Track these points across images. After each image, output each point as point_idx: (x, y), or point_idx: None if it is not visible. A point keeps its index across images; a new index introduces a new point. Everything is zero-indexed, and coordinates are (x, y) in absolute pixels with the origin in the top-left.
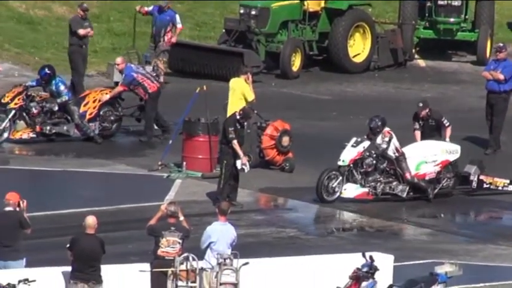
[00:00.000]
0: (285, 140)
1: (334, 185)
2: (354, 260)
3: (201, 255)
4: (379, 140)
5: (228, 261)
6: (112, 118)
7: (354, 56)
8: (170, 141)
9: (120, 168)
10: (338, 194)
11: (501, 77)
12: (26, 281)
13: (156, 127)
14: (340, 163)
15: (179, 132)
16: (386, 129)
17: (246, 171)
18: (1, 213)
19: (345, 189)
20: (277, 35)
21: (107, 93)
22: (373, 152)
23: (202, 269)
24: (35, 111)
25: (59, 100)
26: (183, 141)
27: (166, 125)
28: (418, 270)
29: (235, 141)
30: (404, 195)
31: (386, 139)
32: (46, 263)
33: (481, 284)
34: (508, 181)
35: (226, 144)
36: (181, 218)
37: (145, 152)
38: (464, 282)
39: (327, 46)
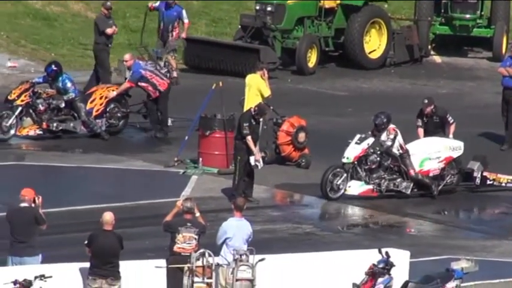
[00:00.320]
0: (301, 136)
1: (338, 183)
2: (370, 256)
3: (217, 251)
4: (383, 136)
5: (244, 257)
6: (119, 115)
7: (370, 52)
8: (186, 138)
9: (136, 164)
10: (343, 191)
11: None
12: (42, 277)
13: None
14: (344, 160)
15: (195, 128)
16: (392, 126)
17: (259, 167)
18: (16, 209)
19: (349, 187)
20: (293, 31)
21: (113, 90)
22: (377, 148)
23: (218, 265)
24: (41, 108)
25: (65, 97)
26: (199, 138)
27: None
28: (434, 266)
29: (249, 137)
30: (409, 192)
31: (391, 136)
32: (62, 259)
33: (497, 280)
34: (511, 177)
35: (241, 140)
36: (197, 214)
37: (162, 148)
38: (481, 278)
39: (342, 42)
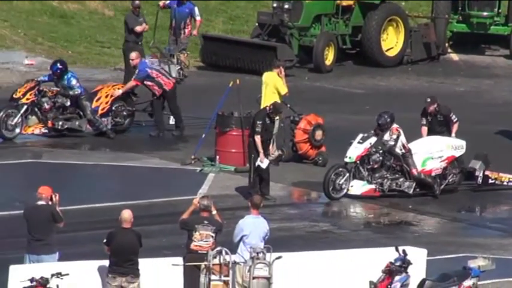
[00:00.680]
0: (318, 134)
1: (341, 182)
2: (387, 254)
3: (233, 249)
4: (386, 136)
5: (261, 255)
6: (124, 113)
7: (387, 50)
8: (203, 135)
9: (153, 162)
10: (345, 190)
11: None
12: (59, 274)
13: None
14: (346, 160)
15: (212, 126)
16: (395, 126)
17: (262, 167)
18: (34, 207)
19: (351, 186)
20: (310, 28)
21: (119, 88)
22: (379, 148)
23: (235, 263)
24: (46, 106)
25: (71, 92)
26: (216, 135)
27: (164, 125)
28: (451, 264)
29: (258, 136)
30: (411, 191)
31: (394, 136)
32: (79, 256)
33: None
34: None
35: (252, 138)
36: (214, 211)
37: (179, 146)
38: (498, 276)
39: (360, 40)
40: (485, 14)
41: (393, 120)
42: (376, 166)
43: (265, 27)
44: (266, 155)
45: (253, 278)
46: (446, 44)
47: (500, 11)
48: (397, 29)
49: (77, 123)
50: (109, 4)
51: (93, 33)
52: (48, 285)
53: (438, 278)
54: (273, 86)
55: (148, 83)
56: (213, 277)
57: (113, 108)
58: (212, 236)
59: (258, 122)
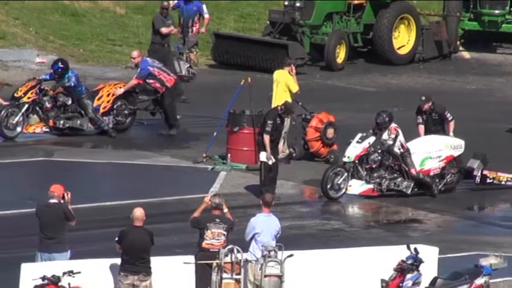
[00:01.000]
0: (330, 132)
1: (339, 182)
2: (399, 252)
3: (245, 247)
4: (385, 135)
5: (272, 253)
6: (126, 112)
7: (399, 48)
8: (215, 133)
9: (164, 160)
10: (344, 190)
11: None
12: (70, 273)
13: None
14: (345, 159)
15: (224, 124)
16: (393, 125)
17: (270, 163)
18: (46, 205)
19: (350, 186)
20: (322, 26)
21: (120, 87)
22: (378, 147)
23: (247, 261)
24: (48, 105)
25: (67, 84)
26: (227, 133)
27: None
28: (462, 262)
29: (267, 136)
30: (409, 191)
31: (393, 136)
32: (91, 255)
33: None
34: (511, 176)
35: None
36: (225, 210)
37: (190, 144)
38: (509, 274)
39: (371, 38)
40: (496, 12)
41: (392, 119)
42: (374, 166)
43: (276, 25)
44: (274, 153)
45: (265, 276)
46: (458, 42)
47: (511, 9)
48: (408, 27)
49: (78, 122)
50: (120, 2)
51: (105, 31)
52: (59, 284)
53: (450, 276)
54: (284, 84)
55: (150, 81)
56: (224, 275)
57: (115, 107)
58: (224, 234)
59: (269, 122)
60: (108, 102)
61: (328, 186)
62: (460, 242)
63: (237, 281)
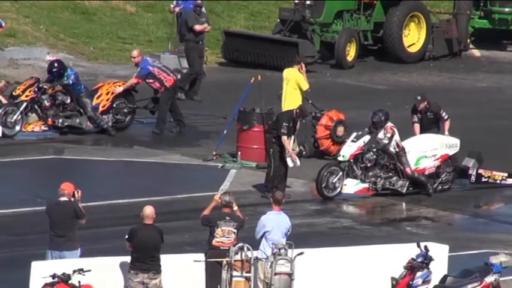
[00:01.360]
0: (340, 130)
1: (334, 181)
2: (409, 250)
3: (255, 245)
4: (381, 135)
5: (282, 251)
6: (125, 110)
7: (409, 46)
8: (225, 132)
9: (174, 158)
10: (339, 189)
11: None
12: (80, 271)
13: (172, 120)
14: (340, 158)
15: (234, 122)
16: (389, 124)
17: (297, 165)
18: (56, 203)
19: (345, 185)
20: (332, 24)
21: (120, 86)
22: (373, 146)
23: (257, 259)
24: (47, 103)
25: (65, 82)
26: (237, 131)
27: (182, 119)
28: (472, 260)
29: (285, 137)
30: (404, 190)
31: (389, 135)
32: (101, 253)
33: None
34: (506, 174)
35: (271, 133)
36: (235, 207)
37: (200, 142)
38: None
39: (381, 36)
40: (507, 10)
41: (388, 118)
42: (369, 165)
43: (286, 23)
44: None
45: (275, 274)
46: (468, 40)
47: None
48: (419, 25)
49: (77, 120)
50: (131, 1)
51: (115, 29)
52: (69, 282)
53: (460, 274)
54: (294, 82)
55: (150, 80)
56: (234, 273)
57: (114, 105)
58: (234, 232)
59: (284, 124)
60: (107, 100)
61: (323, 185)
62: (470, 240)
63: (247, 279)
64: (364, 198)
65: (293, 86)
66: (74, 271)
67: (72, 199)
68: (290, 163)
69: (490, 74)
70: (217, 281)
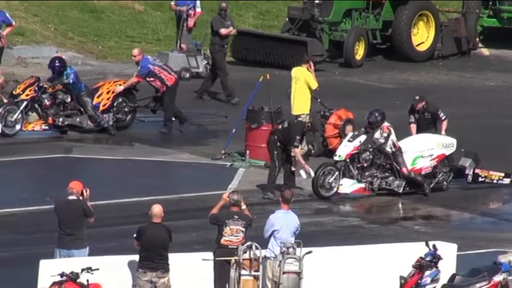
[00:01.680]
0: (348, 129)
1: (330, 181)
2: (417, 249)
3: (263, 244)
4: (377, 134)
5: (291, 250)
6: (126, 109)
7: (418, 45)
8: (233, 130)
9: (183, 157)
10: (335, 189)
11: None
12: (89, 269)
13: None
14: (336, 158)
15: (243, 121)
16: (386, 124)
17: (312, 176)
18: (64, 202)
19: (341, 185)
20: (340, 23)
21: (120, 84)
22: (369, 146)
23: (265, 258)
24: (47, 102)
25: (65, 81)
26: (246, 130)
27: (183, 116)
28: (481, 259)
29: (297, 150)
30: (401, 190)
31: (385, 134)
32: (109, 251)
33: None
34: (502, 174)
35: (278, 138)
36: (244, 206)
37: (209, 140)
38: None
39: (390, 35)
40: None
41: (384, 118)
42: (366, 165)
43: (295, 22)
44: (290, 157)
45: (284, 273)
46: (477, 39)
47: None
48: (427, 24)
49: (77, 119)
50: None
51: (124, 28)
52: (78, 280)
53: (468, 273)
54: (303, 81)
55: (151, 79)
56: (243, 272)
57: (115, 104)
58: (242, 231)
59: (297, 137)
60: (108, 99)
61: (319, 187)
62: (479, 239)
63: (256, 277)
64: (372, 198)
65: (302, 85)
66: (82, 270)
67: (81, 198)
68: (304, 175)
69: (498, 73)
70: (226, 280)
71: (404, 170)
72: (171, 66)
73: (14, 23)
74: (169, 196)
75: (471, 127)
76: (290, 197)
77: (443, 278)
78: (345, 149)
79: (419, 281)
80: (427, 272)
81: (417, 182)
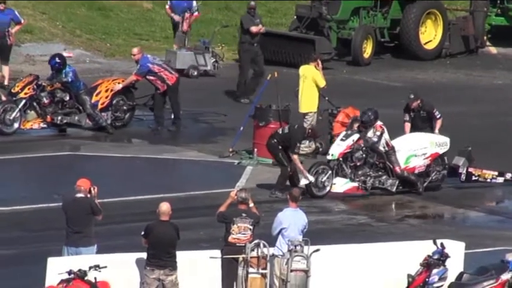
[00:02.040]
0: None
1: (323, 180)
2: (425, 247)
3: (271, 241)
4: (370, 133)
5: (298, 248)
6: (125, 108)
7: (426, 43)
8: (241, 128)
9: (191, 154)
10: (328, 188)
11: None
12: (96, 267)
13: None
14: (329, 157)
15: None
16: (379, 123)
17: (312, 181)
18: (72, 200)
19: (334, 184)
20: (348, 21)
21: (119, 83)
22: (362, 145)
23: (273, 256)
24: (45, 101)
25: (64, 79)
26: (254, 128)
27: (163, 120)
28: (489, 258)
29: (295, 156)
30: (394, 189)
31: (378, 133)
32: (117, 249)
33: None
34: (496, 173)
35: (278, 142)
36: (251, 204)
37: (217, 138)
38: None
39: (398, 33)
40: None
41: (377, 117)
42: (359, 163)
43: (303, 20)
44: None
45: (291, 270)
46: (485, 37)
47: None
48: (435, 22)
49: (76, 117)
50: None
51: (132, 25)
52: (85, 278)
53: (476, 271)
54: (311, 79)
55: (151, 77)
56: (250, 270)
57: (113, 102)
58: (250, 229)
59: (298, 144)
60: (106, 98)
61: (313, 186)
62: (486, 237)
63: (263, 275)
64: (381, 196)
65: (310, 83)
66: (90, 267)
67: (89, 195)
68: (303, 181)
69: (506, 71)
70: (233, 278)
71: (397, 169)
72: (179, 64)
73: (22, 21)
74: (177, 194)
75: (479, 125)
76: (298, 195)
77: (451, 276)
78: (337, 148)
79: (426, 279)
80: (435, 270)
81: (410, 181)
